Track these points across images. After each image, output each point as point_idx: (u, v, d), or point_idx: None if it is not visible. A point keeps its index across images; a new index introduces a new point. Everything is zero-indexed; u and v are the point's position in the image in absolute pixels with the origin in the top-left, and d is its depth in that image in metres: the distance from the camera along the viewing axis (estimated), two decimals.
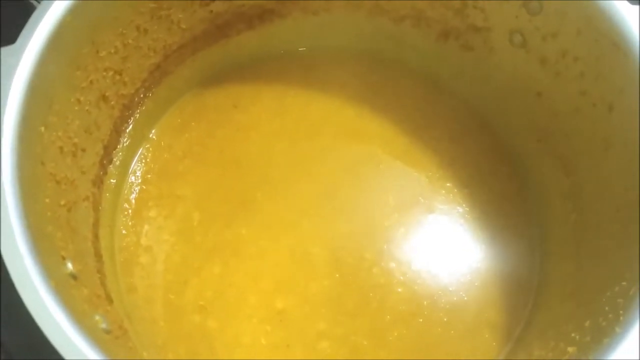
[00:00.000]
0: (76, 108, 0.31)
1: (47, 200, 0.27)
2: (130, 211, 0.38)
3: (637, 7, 0.29)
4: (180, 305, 0.35)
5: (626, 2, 0.29)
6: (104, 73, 0.33)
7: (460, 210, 0.38)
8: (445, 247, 0.37)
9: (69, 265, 0.27)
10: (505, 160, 0.40)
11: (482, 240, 0.37)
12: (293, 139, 0.40)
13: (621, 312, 0.25)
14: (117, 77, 0.34)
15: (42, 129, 0.28)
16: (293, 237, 0.37)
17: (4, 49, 0.26)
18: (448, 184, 0.39)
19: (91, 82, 0.32)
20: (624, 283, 0.26)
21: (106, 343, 0.24)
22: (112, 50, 0.33)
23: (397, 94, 0.42)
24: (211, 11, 0.38)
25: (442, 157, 0.40)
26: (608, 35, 0.30)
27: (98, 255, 0.33)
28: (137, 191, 0.39)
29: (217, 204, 0.38)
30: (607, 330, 0.25)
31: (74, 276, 0.27)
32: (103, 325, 0.26)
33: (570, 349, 0.27)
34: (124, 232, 0.37)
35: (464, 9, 0.37)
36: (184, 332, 0.34)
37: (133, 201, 0.38)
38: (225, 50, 0.40)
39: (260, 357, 0.34)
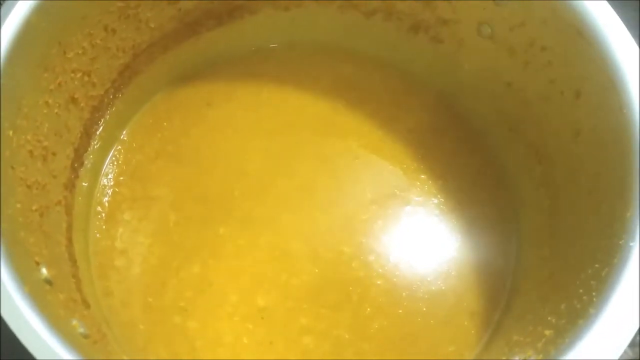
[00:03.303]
0: (45, 111, 0.30)
1: (18, 205, 0.27)
2: (103, 214, 0.37)
3: None
4: (159, 307, 0.35)
5: None
6: (72, 74, 0.32)
7: (436, 201, 0.39)
8: (422, 238, 0.38)
9: (44, 271, 0.26)
10: (478, 150, 0.40)
11: (458, 229, 0.38)
12: (268, 135, 0.40)
13: (594, 293, 0.26)
14: (86, 78, 0.34)
15: (10, 132, 0.27)
16: (272, 234, 0.37)
17: None
18: (423, 176, 0.39)
19: (59, 84, 0.31)
20: (596, 265, 0.27)
21: (84, 347, 0.24)
22: (80, 51, 0.32)
23: (371, 87, 0.42)
24: (180, 9, 0.37)
25: (416, 149, 0.40)
26: (572, 24, 0.31)
27: (72, 260, 0.32)
28: (110, 194, 0.38)
29: (193, 204, 0.38)
30: (581, 312, 0.26)
31: (49, 281, 0.26)
32: (81, 330, 0.26)
33: (547, 332, 0.27)
34: (98, 235, 0.37)
35: (433, 1, 0.37)
36: (165, 334, 0.34)
37: (106, 204, 0.38)
38: (196, 48, 0.40)
39: (243, 356, 0.34)
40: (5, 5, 0.27)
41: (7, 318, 0.21)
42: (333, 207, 0.38)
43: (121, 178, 0.38)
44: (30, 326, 0.21)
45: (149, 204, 0.38)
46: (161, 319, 0.34)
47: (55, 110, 0.31)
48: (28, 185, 0.28)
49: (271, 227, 0.37)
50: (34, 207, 0.29)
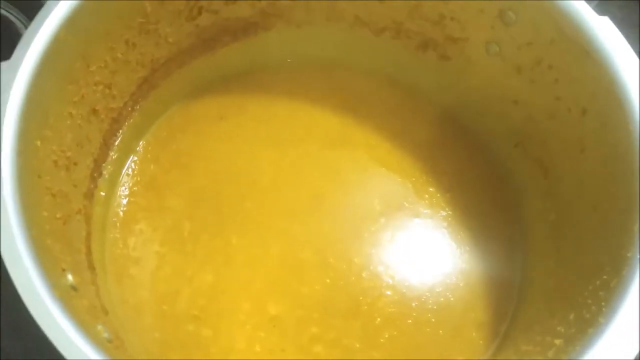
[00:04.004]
0: (69, 122, 0.31)
1: (45, 213, 0.28)
2: (119, 224, 0.38)
3: (606, 18, 0.31)
4: (173, 315, 0.35)
5: (594, 13, 0.31)
6: (95, 87, 0.33)
7: (444, 213, 0.40)
8: (430, 250, 0.38)
9: (69, 277, 0.27)
10: (485, 164, 0.41)
11: (466, 241, 0.39)
12: (280, 147, 0.41)
13: (603, 303, 0.27)
14: (107, 91, 0.35)
15: (38, 142, 0.28)
16: (283, 244, 0.38)
17: (2, 64, 0.27)
18: (431, 189, 0.40)
19: (82, 96, 0.32)
20: (604, 276, 0.28)
21: (110, 351, 0.25)
22: (102, 65, 0.33)
23: (379, 102, 0.43)
24: (197, 25, 0.38)
25: (425, 162, 0.41)
26: (579, 43, 0.32)
27: (91, 268, 0.33)
28: (126, 204, 0.39)
29: (206, 214, 0.38)
30: (591, 322, 0.27)
31: (74, 287, 0.27)
32: (105, 335, 0.27)
33: (557, 341, 0.28)
34: (114, 244, 0.37)
35: (442, 21, 0.38)
36: (179, 341, 0.35)
37: (122, 214, 0.38)
38: (211, 63, 0.41)
39: None
40: (35, 21, 0.28)
41: (39, 321, 0.22)
42: (343, 218, 0.39)
43: (136, 188, 0.39)
44: (62, 329, 0.22)
45: (163, 213, 0.38)
46: (175, 326, 0.35)
47: (78, 122, 0.32)
48: (53, 194, 0.29)
49: (282, 237, 0.38)
50: (58, 215, 0.29)
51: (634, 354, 0.24)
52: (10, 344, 0.24)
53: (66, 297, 0.25)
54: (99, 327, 0.26)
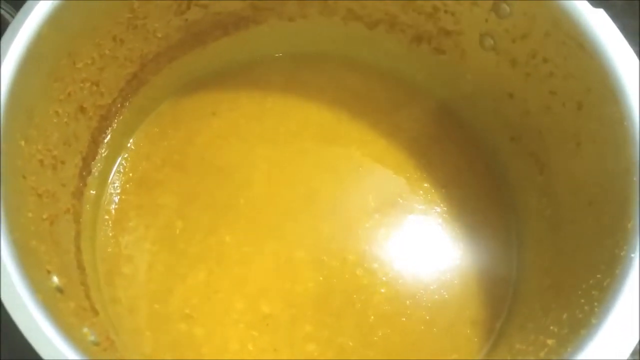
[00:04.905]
0: (55, 120, 0.31)
1: (30, 214, 0.27)
2: (110, 222, 0.38)
3: (601, 10, 0.31)
4: (165, 314, 0.35)
5: (590, 6, 0.31)
6: (82, 84, 0.33)
7: (439, 209, 0.39)
8: (425, 247, 0.38)
9: (55, 279, 0.27)
10: (480, 158, 0.41)
11: (461, 238, 0.38)
12: (273, 143, 0.40)
13: (596, 303, 0.26)
14: (95, 88, 0.34)
15: (23, 142, 0.28)
16: (276, 242, 0.37)
17: None
18: (426, 185, 0.40)
19: (69, 93, 0.32)
20: (598, 275, 0.27)
21: (96, 355, 0.24)
22: (89, 62, 0.33)
23: (374, 97, 0.42)
24: (186, 20, 0.38)
25: (419, 158, 0.40)
26: (574, 37, 0.31)
27: (81, 268, 0.33)
28: (117, 201, 0.38)
29: (199, 211, 0.38)
30: (583, 322, 0.26)
31: (60, 290, 0.27)
32: (92, 338, 0.26)
33: (549, 342, 0.28)
34: (105, 243, 0.37)
35: (435, 13, 0.38)
36: (171, 340, 0.34)
37: (113, 212, 0.38)
38: (202, 58, 0.41)
39: None
40: (17, 18, 0.28)
41: (22, 327, 0.21)
42: (337, 215, 0.39)
43: (127, 186, 0.39)
44: (45, 335, 0.22)
45: (155, 211, 0.38)
46: (167, 325, 0.35)
47: (65, 120, 0.32)
48: (39, 194, 0.29)
49: (276, 234, 0.38)
50: (44, 216, 0.29)
51: (626, 355, 0.24)
52: (10, 342, 0.23)
53: (51, 300, 0.24)
54: (85, 330, 0.26)
